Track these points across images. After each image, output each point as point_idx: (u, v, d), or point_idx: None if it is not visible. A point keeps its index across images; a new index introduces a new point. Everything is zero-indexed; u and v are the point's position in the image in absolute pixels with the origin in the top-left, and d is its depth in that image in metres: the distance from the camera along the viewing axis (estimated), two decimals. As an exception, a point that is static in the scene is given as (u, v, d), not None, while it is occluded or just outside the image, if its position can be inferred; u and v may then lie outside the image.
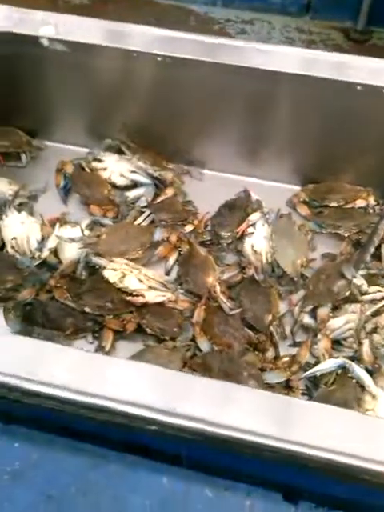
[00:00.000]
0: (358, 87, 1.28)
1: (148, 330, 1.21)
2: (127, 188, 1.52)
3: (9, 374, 0.84)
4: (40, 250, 1.35)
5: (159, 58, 1.33)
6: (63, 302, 1.25)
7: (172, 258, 1.37)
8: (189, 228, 1.43)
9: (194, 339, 1.21)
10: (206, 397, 0.80)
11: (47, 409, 0.87)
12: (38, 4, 2.93)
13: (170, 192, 1.48)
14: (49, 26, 1.38)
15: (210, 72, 1.34)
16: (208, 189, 1.55)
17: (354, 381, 1.10)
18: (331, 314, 1.23)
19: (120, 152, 1.56)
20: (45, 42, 1.37)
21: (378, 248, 1.33)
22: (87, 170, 1.55)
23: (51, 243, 1.35)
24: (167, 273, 1.36)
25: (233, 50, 1.34)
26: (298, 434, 0.76)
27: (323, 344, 1.16)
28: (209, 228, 1.44)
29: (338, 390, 1.08)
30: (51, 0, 2.97)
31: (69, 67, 1.42)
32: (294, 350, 1.21)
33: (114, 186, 1.52)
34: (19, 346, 0.90)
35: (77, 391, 0.81)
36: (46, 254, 1.34)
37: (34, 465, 0.93)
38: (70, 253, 1.36)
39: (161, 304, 1.25)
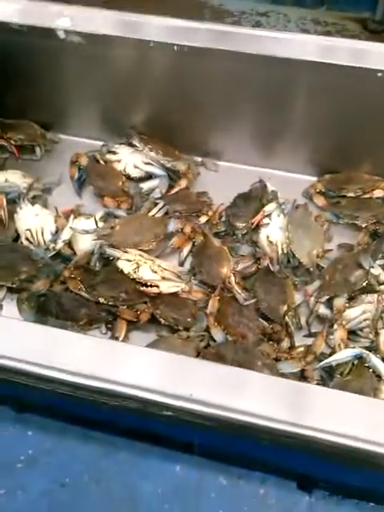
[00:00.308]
0: (379, 74, 1.26)
1: (162, 321, 1.21)
2: (141, 180, 1.52)
3: (24, 360, 0.85)
4: (54, 241, 1.35)
5: (176, 48, 1.32)
6: (77, 293, 1.25)
7: (186, 249, 1.36)
8: (203, 219, 1.42)
9: (207, 329, 1.20)
10: (221, 383, 0.80)
11: (61, 396, 0.87)
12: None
13: (183, 183, 1.48)
14: (65, 18, 1.38)
15: (226, 61, 1.32)
16: (223, 180, 1.54)
17: (370, 371, 1.08)
18: (347, 304, 1.22)
19: (131, 144, 1.56)
20: (61, 35, 1.38)
21: (397, 239, 1.31)
22: (101, 162, 1.55)
23: (65, 235, 1.36)
24: (181, 264, 1.36)
25: (249, 39, 1.32)
26: (313, 419, 0.75)
27: (339, 334, 1.15)
28: (223, 219, 1.43)
29: (353, 380, 1.06)
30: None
31: (84, 59, 1.43)
32: (309, 341, 1.20)
33: (128, 177, 1.52)
34: (33, 334, 0.90)
35: (93, 377, 0.81)
36: (60, 245, 1.34)
37: (47, 453, 0.94)
38: (84, 244, 1.36)
39: (175, 294, 1.24)
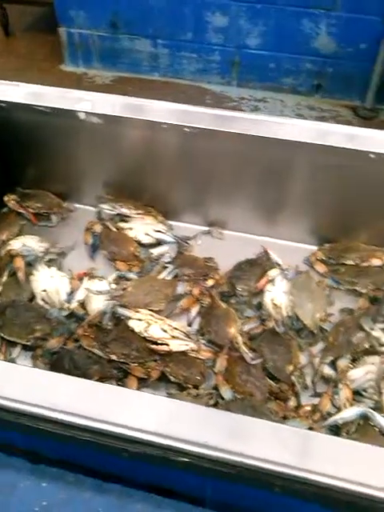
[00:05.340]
0: (371, 155, 1.38)
1: (171, 378, 1.24)
2: (152, 246, 1.61)
3: (48, 407, 0.88)
4: (69, 301, 1.42)
5: (187, 130, 1.45)
6: (90, 350, 1.29)
7: (194, 310, 1.42)
8: (210, 282, 1.49)
9: (216, 388, 1.24)
10: (233, 430, 0.83)
11: (77, 445, 0.89)
12: (66, 84, 3.26)
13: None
14: (86, 102, 1.53)
15: (232, 142, 1.45)
16: (228, 247, 1.63)
17: (375, 430, 1.11)
18: (351, 366, 1.26)
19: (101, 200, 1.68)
20: (81, 116, 1.52)
21: (395, 303, 1.37)
22: (113, 229, 1.64)
23: (80, 295, 1.43)
24: (189, 324, 1.41)
25: (252, 123, 1.46)
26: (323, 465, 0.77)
27: (344, 394, 1.18)
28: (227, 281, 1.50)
29: (359, 439, 1.08)
30: (77, 81, 3.30)
31: (101, 138, 1.56)
32: (315, 400, 1.23)
33: (139, 243, 1.61)
34: (54, 382, 0.95)
35: (109, 422, 0.85)
36: (74, 305, 1.41)
37: (62, 504, 0.93)
38: (97, 305, 1.42)
39: (184, 353, 1.28)
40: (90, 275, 1.50)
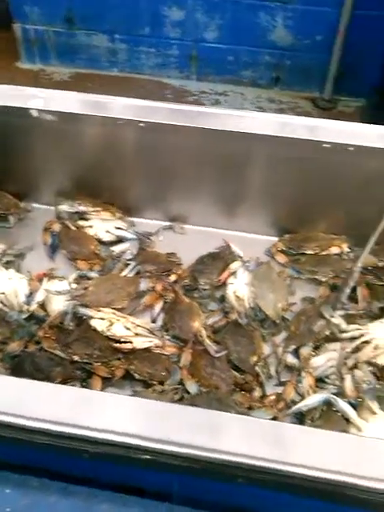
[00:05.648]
0: (326, 145, 1.40)
1: (136, 376, 1.24)
2: (112, 243, 1.59)
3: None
4: (28, 303, 1.39)
5: (143, 125, 1.43)
6: (52, 352, 1.27)
7: (158, 306, 1.41)
8: (173, 278, 1.48)
9: (181, 382, 1.23)
10: (198, 425, 0.83)
11: (41, 450, 0.88)
12: (23, 81, 3.17)
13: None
14: (39, 100, 1.50)
15: (191, 136, 1.44)
16: (190, 241, 1.63)
17: (338, 415, 1.13)
18: (313, 353, 1.28)
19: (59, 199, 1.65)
20: (34, 113, 1.48)
21: (354, 290, 1.39)
22: (73, 228, 1.62)
23: (39, 296, 1.40)
24: (153, 320, 1.40)
25: (210, 116, 1.45)
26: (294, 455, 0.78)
27: (307, 381, 1.20)
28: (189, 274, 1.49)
29: (323, 425, 1.10)
30: (34, 78, 3.22)
31: (56, 136, 1.53)
32: (280, 389, 1.24)
33: (100, 241, 1.59)
34: (16, 386, 0.93)
35: (74, 425, 0.83)
36: (34, 306, 1.38)
37: (27, 509, 0.91)
38: (58, 305, 1.39)
39: (148, 350, 1.28)
40: (50, 276, 1.47)
